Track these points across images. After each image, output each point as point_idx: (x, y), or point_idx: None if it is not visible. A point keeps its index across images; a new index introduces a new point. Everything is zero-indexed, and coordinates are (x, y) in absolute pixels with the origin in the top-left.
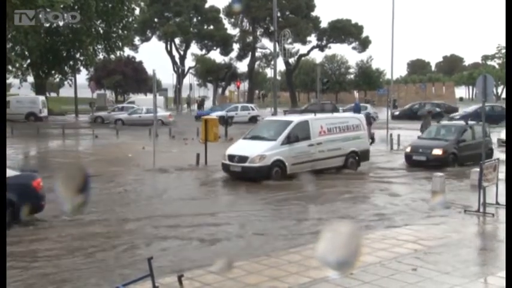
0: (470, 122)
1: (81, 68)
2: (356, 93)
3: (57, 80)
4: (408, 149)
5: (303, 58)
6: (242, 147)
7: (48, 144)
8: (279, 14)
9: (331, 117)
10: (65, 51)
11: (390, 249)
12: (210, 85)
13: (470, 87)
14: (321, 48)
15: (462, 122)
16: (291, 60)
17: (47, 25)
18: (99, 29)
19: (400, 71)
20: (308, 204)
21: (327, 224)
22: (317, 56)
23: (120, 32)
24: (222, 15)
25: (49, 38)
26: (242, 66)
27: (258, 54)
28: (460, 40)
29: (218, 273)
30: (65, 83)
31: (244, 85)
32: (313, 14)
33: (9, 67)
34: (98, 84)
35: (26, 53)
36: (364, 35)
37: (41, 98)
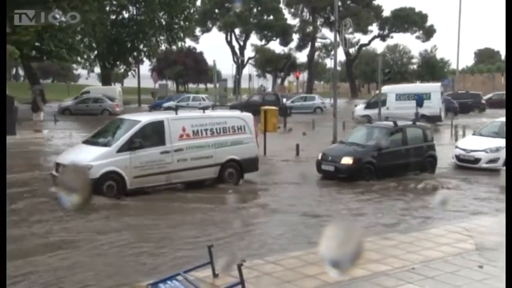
0: (401, 123)
1: (144, 58)
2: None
3: (122, 70)
4: (319, 156)
5: (363, 48)
6: (74, 154)
7: None
8: (339, 3)
9: (200, 117)
10: (129, 42)
11: (454, 244)
12: (269, 76)
13: None
14: (383, 37)
15: (390, 123)
16: (352, 51)
17: (113, 17)
18: (162, 20)
19: (467, 60)
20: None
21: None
22: (378, 46)
23: (181, 23)
24: (282, 5)
25: (115, 29)
26: (301, 57)
27: (317, 44)
28: None
29: None
30: (129, 73)
31: (304, 75)
32: (375, 2)
33: (78, 58)
34: (159, 75)
35: (94, 44)
36: (428, 23)
37: None
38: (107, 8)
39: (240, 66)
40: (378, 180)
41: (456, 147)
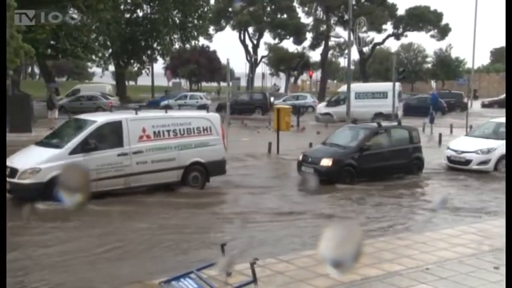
0: (385, 124)
1: (158, 57)
2: (433, 83)
3: (136, 69)
4: (300, 157)
5: (377, 47)
6: (24, 155)
7: None
8: (353, 2)
9: (162, 117)
10: (143, 41)
11: (469, 244)
12: (282, 74)
13: None
14: (397, 36)
15: (374, 124)
16: (365, 49)
17: (128, 15)
18: (176, 19)
19: (482, 59)
20: None
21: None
22: (392, 45)
23: (195, 21)
24: (295, 4)
25: (129, 28)
26: (315, 56)
27: (331, 43)
28: None
29: None
30: (143, 71)
31: (317, 74)
32: (390, 1)
33: (93, 56)
34: (173, 73)
35: (108, 43)
36: (443, 22)
37: None
38: (122, 7)
39: (254, 64)
40: (358, 184)
41: (448, 148)
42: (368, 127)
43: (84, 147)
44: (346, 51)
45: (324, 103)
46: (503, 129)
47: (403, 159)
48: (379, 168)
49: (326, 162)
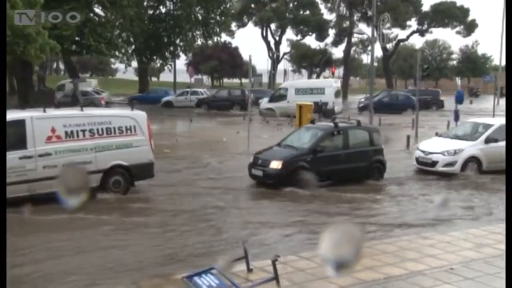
0: (342, 125)
1: (181, 53)
2: (458, 80)
3: (158, 65)
4: (251, 159)
5: (401, 43)
6: None
7: None
8: None
9: (76, 116)
10: (165, 37)
11: (495, 245)
12: (304, 71)
13: None
14: (422, 33)
15: (330, 125)
16: (389, 46)
17: (151, 12)
18: (198, 15)
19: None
20: None
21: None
22: (416, 41)
23: (217, 18)
24: (318, 0)
25: (152, 24)
26: (337, 52)
27: (354, 39)
28: None
29: None
30: (165, 68)
31: (339, 71)
32: None
33: (116, 52)
34: (195, 69)
35: (131, 39)
36: (470, 18)
37: None
38: (145, 3)
39: (275, 61)
40: (309, 189)
41: (417, 149)
42: (323, 127)
43: None
44: (369, 48)
45: (267, 98)
46: (481, 130)
47: (362, 162)
48: (335, 171)
49: (275, 164)
